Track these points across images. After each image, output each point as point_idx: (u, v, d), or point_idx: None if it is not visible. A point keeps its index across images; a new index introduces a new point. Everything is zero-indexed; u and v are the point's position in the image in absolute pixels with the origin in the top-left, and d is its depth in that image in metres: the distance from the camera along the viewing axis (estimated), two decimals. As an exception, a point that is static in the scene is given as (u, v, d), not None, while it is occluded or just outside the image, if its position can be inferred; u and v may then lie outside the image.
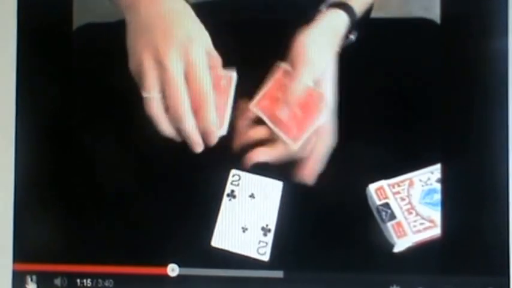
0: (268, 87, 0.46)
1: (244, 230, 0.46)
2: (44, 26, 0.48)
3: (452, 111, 0.46)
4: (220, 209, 0.47)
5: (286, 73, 0.45)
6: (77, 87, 0.48)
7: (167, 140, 0.45)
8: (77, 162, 0.48)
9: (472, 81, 0.46)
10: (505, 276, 0.44)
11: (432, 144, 0.46)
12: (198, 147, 0.44)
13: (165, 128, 0.44)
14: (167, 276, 0.47)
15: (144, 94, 0.43)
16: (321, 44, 0.44)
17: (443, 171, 0.46)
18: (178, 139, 0.45)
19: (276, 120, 0.45)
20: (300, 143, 0.45)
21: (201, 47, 0.42)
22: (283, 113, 0.45)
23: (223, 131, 0.45)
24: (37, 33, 0.48)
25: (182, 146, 0.45)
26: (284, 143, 0.45)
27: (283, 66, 0.46)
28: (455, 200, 0.45)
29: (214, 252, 0.46)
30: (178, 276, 0.47)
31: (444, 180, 0.45)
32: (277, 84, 0.46)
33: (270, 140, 0.45)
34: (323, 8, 0.46)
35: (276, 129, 0.45)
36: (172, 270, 0.47)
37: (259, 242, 0.46)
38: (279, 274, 0.46)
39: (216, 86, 0.44)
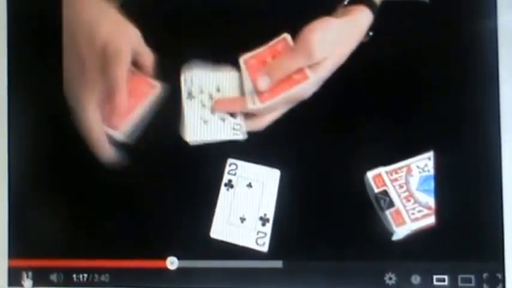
0: (263, 49, 0.46)
1: (242, 220, 0.46)
2: (34, 15, 0.47)
3: (445, 95, 0.45)
4: (218, 199, 0.46)
5: (285, 45, 0.46)
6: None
7: (163, 132, 0.45)
8: (71, 157, 0.47)
9: (464, 64, 0.45)
10: (500, 262, 0.44)
11: (428, 131, 0.46)
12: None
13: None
14: (166, 269, 0.46)
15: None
16: (336, 38, 0.44)
17: (436, 158, 0.45)
18: None
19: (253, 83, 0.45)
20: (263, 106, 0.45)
21: (123, 45, 0.43)
22: (262, 81, 0.45)
23: (120, 133, 0.45)
24: (27, 23, 0.47)
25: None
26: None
27: (287, 37, 0.46)
28: (448, 187, 0.45)
29: (213, 243, 0.45)
30: (178, 269, 0.46)
31: (437, 167, 0.45)
32: (271, 51, 0.46)
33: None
34: (345, 2, 0.45)
35: (248, 90, 0.45)
36: (172, 263, 0.46)
37: (258, 232, 0.45)
38: (278, 264, 0.45)
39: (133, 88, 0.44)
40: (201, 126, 0.46)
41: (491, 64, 0.45)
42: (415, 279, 0.45)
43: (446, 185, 0.45)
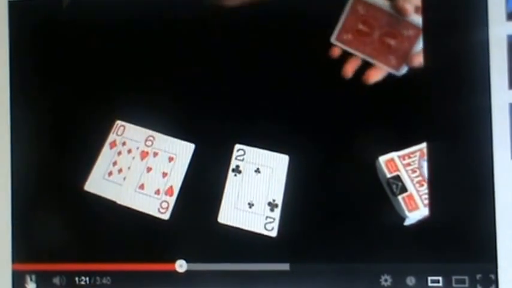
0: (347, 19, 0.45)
1: (250, 205, 0.46)
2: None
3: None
4: (226, 184, 0.46)
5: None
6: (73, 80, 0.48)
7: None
8: (74, 159, 0.48)
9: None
10: (493, 263, 0.44)
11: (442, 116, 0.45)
12: None
13: None
14: (175, 272, 0.47)
15: None
16: None
17: (429, 161, 0.45)
18: None
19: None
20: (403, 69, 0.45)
21: None
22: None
23: None
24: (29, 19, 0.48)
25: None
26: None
27: None
28: (442, 189, 0.45)
29: (221, 229, 0.45)
30: (187, 272, 0.46)
31: (430, 170, 0.45)
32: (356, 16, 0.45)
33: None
34: None
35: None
36: (181, 266, 0.47)
37: (267, 217, 0.45)
38: (285, 267, 0.46)
39: None
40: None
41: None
42: (410, 280, 0.45)
43: (439, 187, 0.45)
